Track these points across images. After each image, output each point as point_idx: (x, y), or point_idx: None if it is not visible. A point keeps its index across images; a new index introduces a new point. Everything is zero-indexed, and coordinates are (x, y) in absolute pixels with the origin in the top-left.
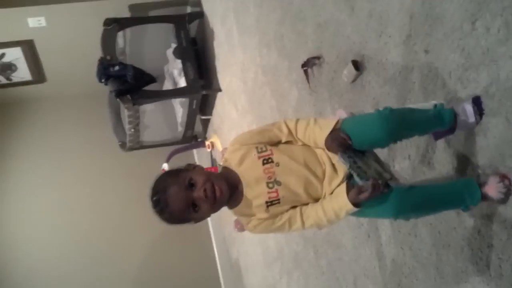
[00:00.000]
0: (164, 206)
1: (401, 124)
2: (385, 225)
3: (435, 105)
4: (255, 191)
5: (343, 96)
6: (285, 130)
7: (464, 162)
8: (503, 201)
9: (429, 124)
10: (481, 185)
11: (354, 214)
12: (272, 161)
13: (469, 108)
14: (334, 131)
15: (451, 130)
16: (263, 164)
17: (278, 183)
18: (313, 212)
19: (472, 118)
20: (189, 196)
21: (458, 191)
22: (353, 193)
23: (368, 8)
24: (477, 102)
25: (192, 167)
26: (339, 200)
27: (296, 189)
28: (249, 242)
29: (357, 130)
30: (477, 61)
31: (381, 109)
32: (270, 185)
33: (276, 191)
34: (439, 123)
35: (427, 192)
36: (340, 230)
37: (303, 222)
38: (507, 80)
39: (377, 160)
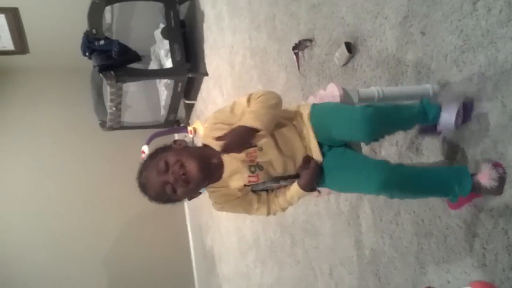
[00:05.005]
0: (145, 190)
1: (384, 125)
2: (366, 213)
3: (422, 101)
4: (235, 174)
5: (332, 80)
6: None
7: (454, 148)
8: (497, 191)
9: (413, 121)
10: (472, 175)
11: (334, 189)
12: (255, 145)
13: (454, 108)
14: None
15: (435, 128)
16: (246, 147)
17: (260, 168)
18: (275, 206)
19: (452, 119)
20: (161, 180)
21: (448, 178)
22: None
23: None
24: (467, 106)
25: (177, 144)
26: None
27: (276, 174)
28: (225, 230)
29: (335, 125)
30: (475, 43)
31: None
32: (252, 169)
33: (257, 176)
34: (423, 119)
35: (416, 172)
36: (319, 218)
37: (268, 212)
38: (505, 62)
39: None
